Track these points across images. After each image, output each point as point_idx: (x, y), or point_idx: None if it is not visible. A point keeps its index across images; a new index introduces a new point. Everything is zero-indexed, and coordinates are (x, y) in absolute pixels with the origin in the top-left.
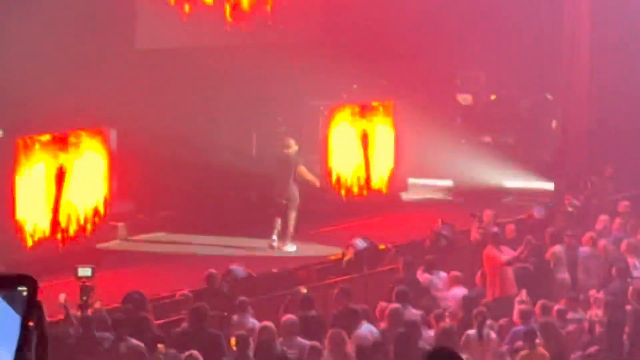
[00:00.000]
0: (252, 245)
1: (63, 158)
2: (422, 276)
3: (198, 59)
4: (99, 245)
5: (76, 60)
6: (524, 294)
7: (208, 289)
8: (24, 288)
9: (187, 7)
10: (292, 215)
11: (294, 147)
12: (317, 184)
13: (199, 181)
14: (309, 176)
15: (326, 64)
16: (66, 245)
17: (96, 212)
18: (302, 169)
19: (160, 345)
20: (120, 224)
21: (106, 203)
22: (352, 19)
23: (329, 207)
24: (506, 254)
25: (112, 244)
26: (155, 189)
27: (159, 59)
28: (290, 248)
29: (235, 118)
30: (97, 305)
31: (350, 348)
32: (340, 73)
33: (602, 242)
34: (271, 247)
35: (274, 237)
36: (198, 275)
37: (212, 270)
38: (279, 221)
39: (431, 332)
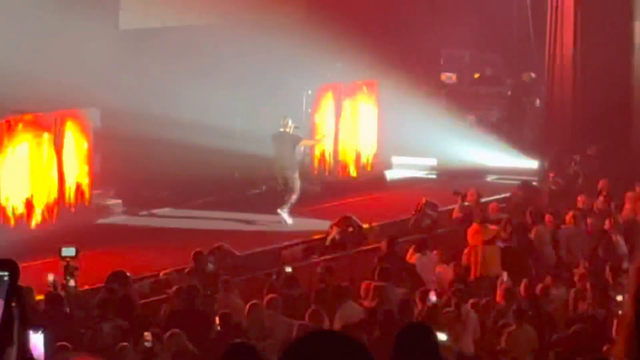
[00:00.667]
0: (240, 220)
1: (46, 138)
2: (412, 256)
3: (182, 39)
4: (100, 221)
5: (60, 40)
6: (504, 275)
7: (195, 267)
8: (5, 273)
9: None
10: (289, 193)
11: (290, 126)
12: (323, 137)
13: (182, 160)
14: (312, 142)
15: (310, 43)
16: (50, 225)
17: (80, 191)
18: (305, 141)
19: (146, 333)
20: (107, 202)
21: (90, 182)
22: None
23: (313, 186)
24: (490, 232)
25: (109, 220)
26: (139, 168)
27: (143, 39)
28: (288, 221)
29: (219, 98)
30: (72, 284)
31: (334, 326)
32: (325, 52)
33: (588, 221)
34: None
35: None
36: (182, 254)
37: (200, 249)
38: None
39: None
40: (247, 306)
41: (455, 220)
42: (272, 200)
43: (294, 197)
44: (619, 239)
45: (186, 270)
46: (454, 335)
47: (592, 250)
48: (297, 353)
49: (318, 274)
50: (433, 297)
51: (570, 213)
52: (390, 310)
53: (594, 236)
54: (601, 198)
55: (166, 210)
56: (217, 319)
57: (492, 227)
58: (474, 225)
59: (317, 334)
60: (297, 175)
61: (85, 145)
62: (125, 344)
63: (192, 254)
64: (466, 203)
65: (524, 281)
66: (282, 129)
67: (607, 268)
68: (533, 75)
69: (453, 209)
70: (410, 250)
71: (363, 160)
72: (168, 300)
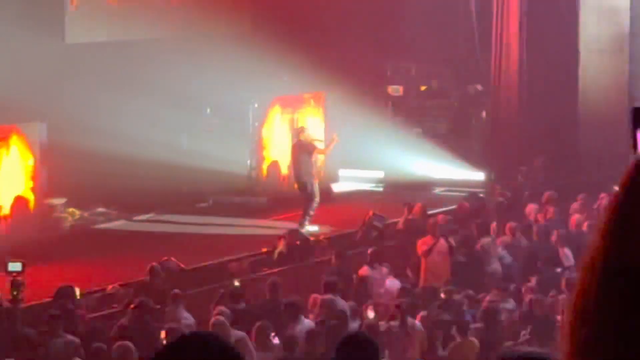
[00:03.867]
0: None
1: None
2: (361, 269)
3: (128, 53)
4: (47, 235)
5: (5, 54)
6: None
7: (150, 281)
8: None
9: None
10: (308, 200)
11: (305, 133)
12: (334, 141)
13: (130, 174)
14: (327, 150)
15: (256, 57)
16: None
17: (26, 205)
18: (319, 150)
19: None
20: (54, 216)
21: (36, 196)
22: (283, 10)
23: (261, 199)
24: (440, 244)
25: (56, 234)
26: (86, 183)
27: (89, 53)
28: (311, 228)
29: (166, 112)
30: (26, 301)
31: (276, 340)
32: (271, 65)
33: (534, 231)
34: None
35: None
36: (130, 268)
37: (154, 264)
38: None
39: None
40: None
41: (399, 232)
42: (219, 213)
43: (313, 204)
44: (567, 251)
45: (131, 284)
46: (400, 348)
47: (532, 261)
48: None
49: (265, 289)
50: (371, 313)
51: (509, 225)
52: (334, 323)
53: (535, 248)
54: (549, 209)
55: (113, 224)
56: (163, 333)
57: (441, 239)
58: (425, 237)
59: (187, 337)
60: (314, 181)
61: (31, 159)
62: (78, 359)
63: (148, 268)
64: (410, 216)
65: (464, 293)
66: (299, 137)
67: (563, 280)
68: (479, 87)
69: (400, 221)
70: (365, 267)
71: None
72: (117, 315)
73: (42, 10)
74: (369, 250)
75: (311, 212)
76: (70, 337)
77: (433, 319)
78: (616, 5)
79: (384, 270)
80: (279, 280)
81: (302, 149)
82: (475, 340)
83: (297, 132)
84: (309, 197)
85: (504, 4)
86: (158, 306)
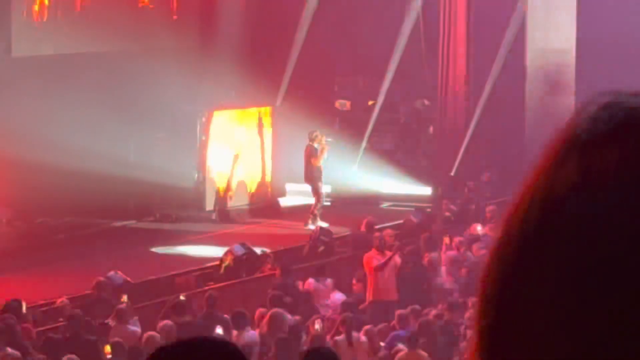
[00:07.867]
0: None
1: None
2: (307, 282)
3: (75, 66)
4: None
5: None
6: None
7: (96, 295)
8: None
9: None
10: (316, 201)
11: (319, 139)
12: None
13: (77, 188)
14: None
15: (204, 70)
16: None
17: None
18: (319, 156)
19: None
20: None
21: None
22: (231, 24)
23: (206, 213)
24: (394, 260)
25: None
26: (33, 196)
27: (36, 66)
28: (316, 225)
29: (113, 124)
30: None
31: None
32: (219, 78)
33: (473, 247)
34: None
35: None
36: (77, 282)
37: (100, 278)
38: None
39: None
40: (145, 337)
41: (346, 246)
42: (166, 227)
43: (319, 205)
44: None
45: (77, 298)
46: None
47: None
48: None
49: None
50: (318, 325)
51: (455, 239)
52: (283, 337)
53: (479, 263)
54: (489, 225)
55: (61, 238)
56: (107, 347)
57: (388, 253)
58: (371, 252)
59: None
60: (321, 184)
61: None
62: None
63: (94, 283)
64: (357, 231)
65: (410, 307)
66: (310, 142)
67: None
68: (426, 102)
69: (346, 236)
70: (310, 279)
71: (257, 186)
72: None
73: None
74: (315, 263)
75: (317, 211)
76: (10, 350)
77: (383, 332)
78: (562, 21)
79: (329, 283)
80: (217, 294)
81: (311, 153)
82: (424, 353)
83: (309, 136)
84: (317, 198)
85: (451, 19)
86: (105, 320)
